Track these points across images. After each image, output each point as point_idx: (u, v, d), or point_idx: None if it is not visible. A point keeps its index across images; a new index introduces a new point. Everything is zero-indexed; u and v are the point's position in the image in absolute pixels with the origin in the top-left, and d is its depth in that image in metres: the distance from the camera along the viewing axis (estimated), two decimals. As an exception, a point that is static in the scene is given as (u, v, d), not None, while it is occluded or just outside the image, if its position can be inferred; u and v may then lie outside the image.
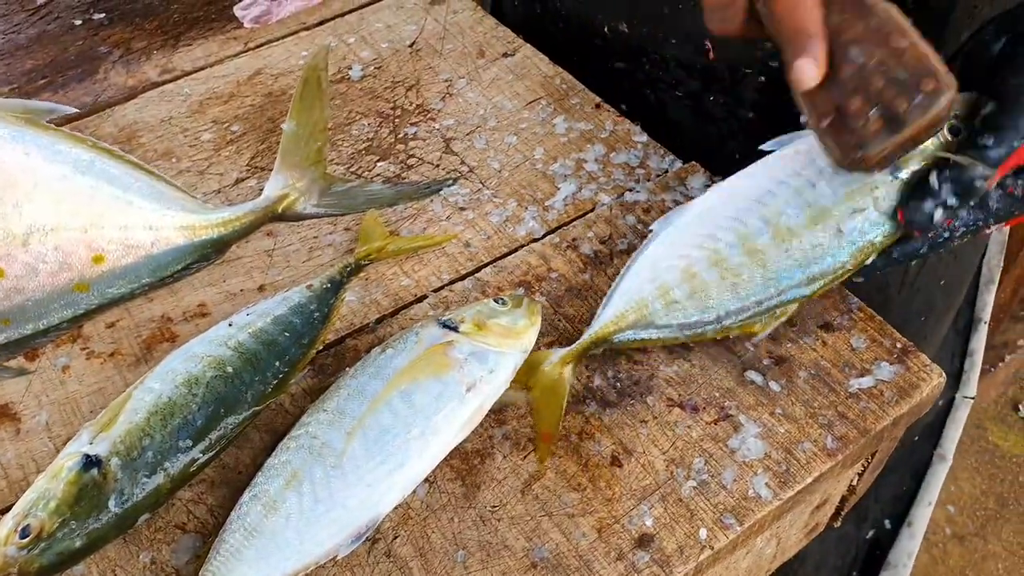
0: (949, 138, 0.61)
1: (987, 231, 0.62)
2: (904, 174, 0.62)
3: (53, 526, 0.54)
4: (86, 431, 0.58)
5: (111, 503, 0.55)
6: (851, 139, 0.55)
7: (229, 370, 0.61)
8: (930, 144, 0.61)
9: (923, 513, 1.20)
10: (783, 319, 0.64)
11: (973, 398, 1.20)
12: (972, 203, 0.60)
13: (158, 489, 0.57)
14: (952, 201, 0.59)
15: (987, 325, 1.14)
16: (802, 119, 0.58)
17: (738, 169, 0.67)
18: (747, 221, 0.64)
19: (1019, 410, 1.84)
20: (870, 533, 1.21)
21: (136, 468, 0.56)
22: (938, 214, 0.60)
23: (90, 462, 0.56)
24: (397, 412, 0.57)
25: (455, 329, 0.61)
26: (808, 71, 0.55)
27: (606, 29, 0.86)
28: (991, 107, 0.59)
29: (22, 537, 0.54)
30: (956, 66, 0.57)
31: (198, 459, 0.58)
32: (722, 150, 0.82)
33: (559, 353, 0.63)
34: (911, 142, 0.56)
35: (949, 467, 1.21)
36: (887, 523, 1.21)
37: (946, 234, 0.62)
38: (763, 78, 0.80)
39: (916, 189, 0.61)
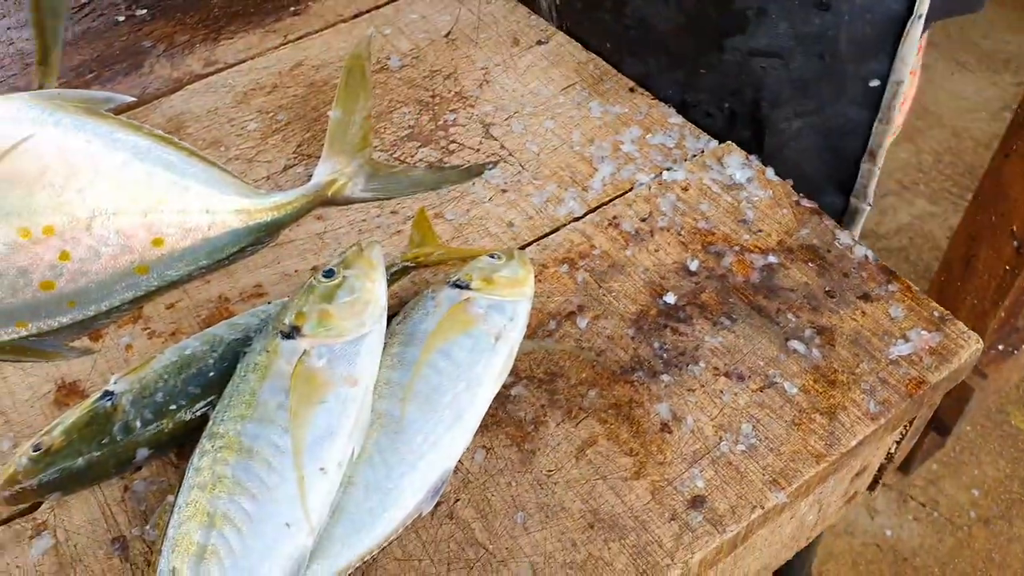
0: None
1: None
2: None
3: (60, 444, 0.59)
4: (117, 374, 0.63)
5: (116, 431, 0.60)
6: None
7: (251, 335, 0.64)
8: None
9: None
10: None
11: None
12: None
13: (160, 427, 0.61)
14: None
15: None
16: None
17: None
18: None
19: (1041, 394, 1.85)
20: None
21: (144, 405, 0.61)
22: None
23: (106, 395, 0.61)
24: (442, 371, 0.60)
25: (467, 287, 0.63)
26: None
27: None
28: None
29: (34, 451, 0.59)
30: None
31: (202, 408, 0.61)
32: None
33: None
34: None
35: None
36: None
37: None
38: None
39: None
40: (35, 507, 0.60)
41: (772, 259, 0.72)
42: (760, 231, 0.74)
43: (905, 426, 0.72)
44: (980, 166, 1.59)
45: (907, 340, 0.67)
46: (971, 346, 0.67)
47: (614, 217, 0.75)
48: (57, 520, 0.60)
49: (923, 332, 0.67)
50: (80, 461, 0.59)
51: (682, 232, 0.74)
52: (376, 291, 0.61)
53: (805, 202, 0.76)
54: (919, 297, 0.70)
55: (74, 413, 0.60)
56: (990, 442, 1.80)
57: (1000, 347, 1.63)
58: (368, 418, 0.58)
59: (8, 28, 0.95)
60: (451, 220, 0.76)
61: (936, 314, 0.68)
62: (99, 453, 0.59)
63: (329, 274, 0.61)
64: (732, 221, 0.74)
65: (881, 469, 0.77)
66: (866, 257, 0.72)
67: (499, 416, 0.63)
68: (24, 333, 0.69)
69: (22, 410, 0.66)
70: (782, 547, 0.75)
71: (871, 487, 0.79)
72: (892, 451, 0.75)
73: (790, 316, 0.68)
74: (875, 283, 0.71)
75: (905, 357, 0.66)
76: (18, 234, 0.67)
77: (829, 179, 0.92)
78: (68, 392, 0.67)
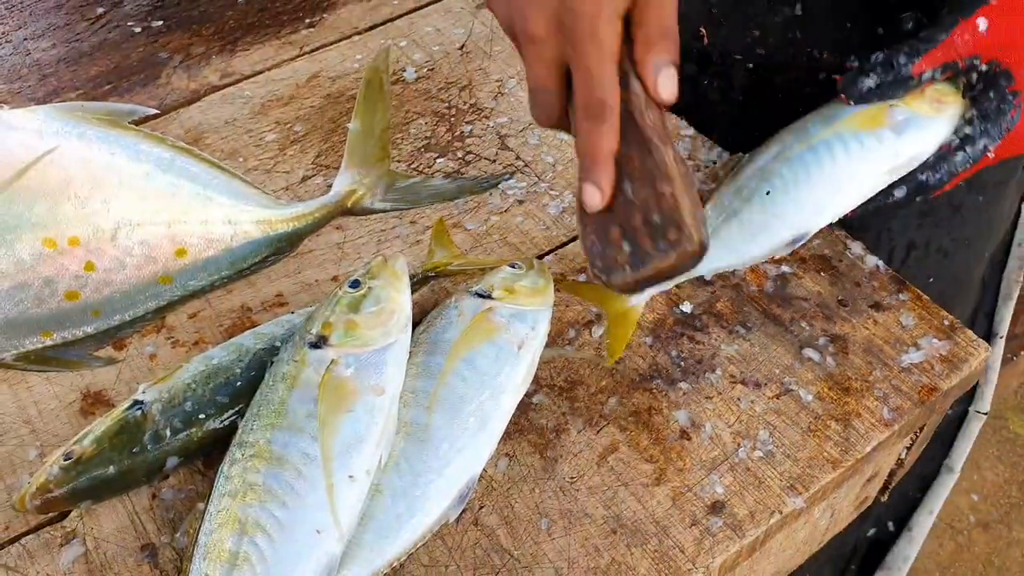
0: None
1: (989, 153, 0.66)
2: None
3: (91, 452, 0.60)
4: (145, 383, 0.64)
5: (146, 440, 0.61)
6: (602, 262, 0.57)
7: (277, 344, 0.65)
8: None
9: (924, 521, 1.22)
10: None
11: (986, 414, 1.22)
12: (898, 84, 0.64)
13: (189, 436, 0.62)
14: (881, 77, 0.64)
15: (1003, 340, 1.16)
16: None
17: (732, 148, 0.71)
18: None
19: (1039, 400, 1.87)
20: (871, 531, 1.23)
21: (174, 415, 0.62)
22: (868, 83, 0.64)
23: (135, 405, 0.62)
24: (466, 379, 0.61)
25: (489, 296, 0.64)
26: (593, 198, 0.56)
27: None
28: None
29: (65, 459, 0.60)
30: None
31: (230, 417, 0.62)
32: (717, 131, 0.85)
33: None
34: (651, 280, 0.57)
35: (956, 479, 1.23)
36: (890, 525, 1.24)
37: (934, 174, 0.65)
38: (751, 64, 0.83)
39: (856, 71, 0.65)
40: (64, 515, 0.61)
41: (785, 269, 0.73)
42: (773, 241, 0.75)
43: (915, 432, 0.73)
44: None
45: (918, 348, 0.68)
46: (980, 354, 0.68)
47: (629, 227, 0.77)
48: (86, 528, 0.61)
49: (934, 340, 0.69)
50: (111, 469, 0.60)
51: (696, 242, 0.75)
52: (401, 301, 0.62)
53: (816, 213, 0.77)
54: (929, 306, 0.71)
55: (104, 422, 0.61)
56: (989, 447, 1.81)
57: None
58: (395, 426, 0.59)
59: (25, 39, 0.96)
60: (470, 230, 0.77)
61: (946, 322, 0.70)
62: (130, 462, 0.60)
63: (355, 285, 0.62)
64: (745, 231, 0.76)
65: (891, 475, 0.78)
66: (877, 267, 0.73)
67: (521, 424, 0.64)
68: (49, 343, 0.70)
69: (48, 419, 0.66)
70: (795, 552, 0.76)
71: (882, 492, 0.80)
72: (902, 457, 0.77)
73: (804, 325, 0.70)
74: (886, 292, 0.72)
75: (917, 365, 0.67)
76: (44, 245, 0.68)
77: None
78: (93, 401, 0.67)
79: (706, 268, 0.69)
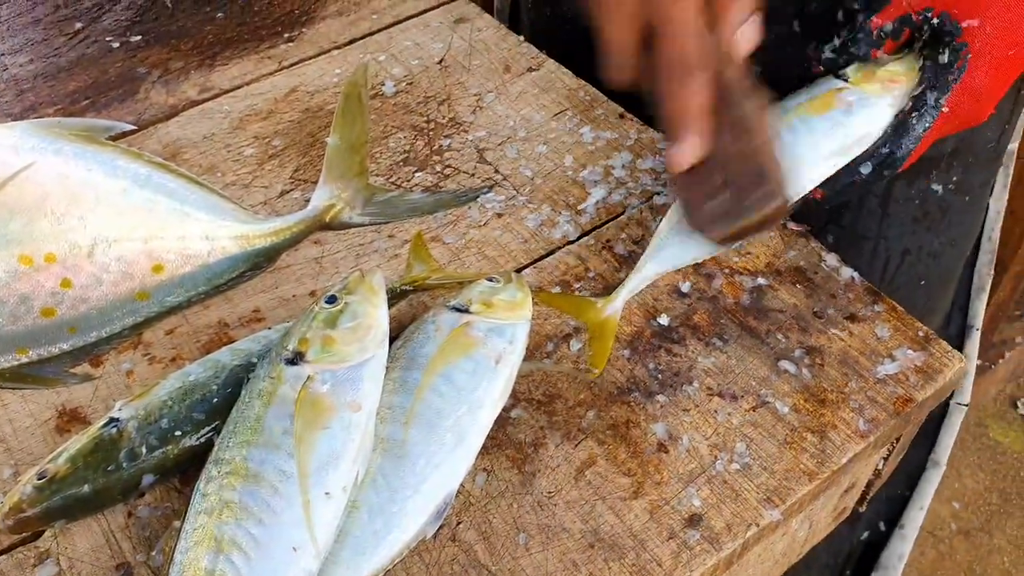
0: None
1: (943, 109, 0.67)
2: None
3: (65, 471, 0.59)
4: (121, 400, 0.63)
5: (121, 457, 0.60)
6: (701, 213, 0.59)
7: (254, 360, 0.65)
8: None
9: (915, 516, 1.24)
10: None
11: (967, 405, 1.23)
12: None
13: (165, 453, 0.61)
14: (844, 35, 0.66)
15: (979, 332, 1.18)
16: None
17: None
18: None
19: (1018, 407, 1.89)
20: (865, 534, 1.24)
21: (150, 432, 0.61)
22: (835, 43, 0.66)
23: (111, 422, 0.61)
24: (444, 394, 0.61)
25: (467, 311, 0.64)
26: (684, 156, 0.57)
27: None
28: None
29: (39, 479, 0.59)
30: None
31: (207, 434, 0.62)
32: None
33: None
34: (748, 231, 0.61)
35: (943, 472, 1.24)
36: (881, 525, 1.25)
37: (897, 145, 0.67)
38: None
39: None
40: (38, 535, 0.61)
41: (761, 281, 0.74)
42: (749, 253, 0.76)
43: (892, 443, 0.74)
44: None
45: (893, 359, 0.69)
46: (955, 365, 0.69)
47: (608, 241, 0.77)
48: (60, 548, 0.60)
49: (909, 351, 0.69)
50: (86, 488, 0.59)
51: (674, 255, 0.76)
52: (378, 316, 0.62)
53: (792, 225, 0.78)
54: (904, 317, 0.72)
55: (79, 440, 0.61)
56: (969, 455, 1.83)
57: (977, 362, 1.66)
58: (372, 442, 0.59)
59: (2, 54, 0.96)
60: (448, 244, 0.77)
61: (920, 333, 0.70)
62: (104, 480, 0.60)
63: (331, 300, 0.62)
64: (722, 244, 0.76)
65: (869, 486, 0.79)
66: (852, 278, 0.74)
67: (499, 439, 0.64)
68: (24, 360, 0.69)
69: (22, 437, 0.66)
70: (774, 563, 0.76)
71: (859, 502, 0.81)
72: (879, 468, 0.77)
73: (780, 337, 0.70)
74: (861, 304, 0.72)
75: (892, 376, 0.68)
76: (19, 262, 0.67)
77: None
78: (69, 419, 0.67)
79: (671, 263, 0.70)
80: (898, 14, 0.65)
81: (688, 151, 0.56)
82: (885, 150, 0.66)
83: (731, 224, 0.59)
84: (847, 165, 0.67)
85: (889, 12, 0.65)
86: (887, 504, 1.25)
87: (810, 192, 0.69)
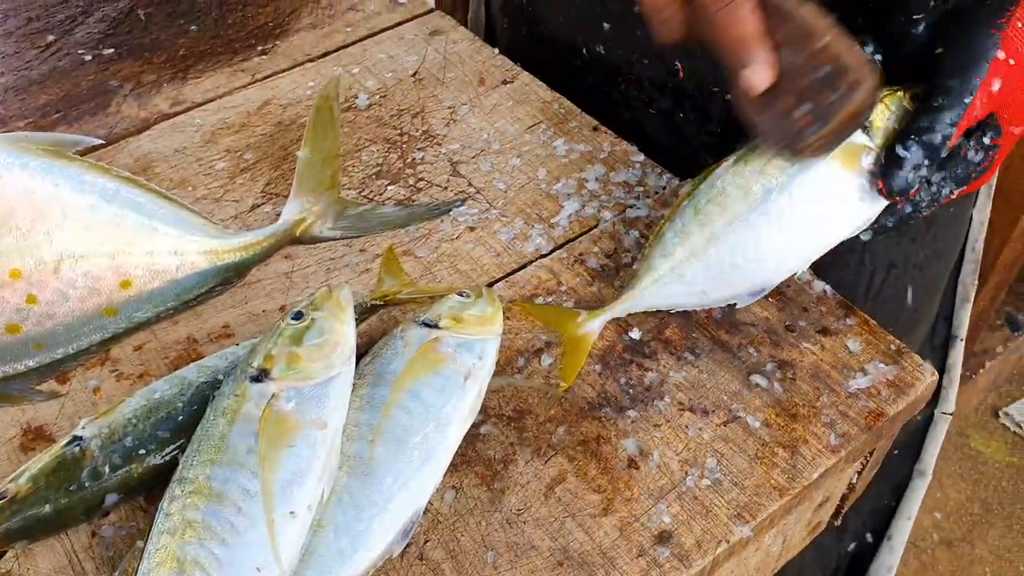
0: (909, 107, 0.65)
1: (951, 196, 0.66)
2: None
3: (27, 491, 0.58)
4: (86, 418, 0.62)
5: (84, 477, 0.59)
6: (786, 132, 0.60)
7: (220, 377, 0.64)
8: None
9: (903, 527, 1.23)
10: None
11: (951, 414, 1.24)
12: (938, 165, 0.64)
13: (129, 472, 0.60)
14: (924, 163, 0.63)
15: (963, 342, 1.18)
16: None
17: None
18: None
19: (999, 417, 1.89)
20: (852, 546, 1.24)
21: (113, 450, 0.60)
22: (911, 176, 0.63)
23: (74, 440, 0.61)
24: (411, 411, 0.60)
25: (436, 326, 0.64)
26: (756, 79, 0.58)
27: (584, 51, 0.91)
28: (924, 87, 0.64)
29: (0, 499, 0.58)
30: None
31: (172, 452, 0.61)
32: (696, 164, 0.86)
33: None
34: (840, 132, 0.61)
35: (928, 482, 1.24)
36: (868, 536, 1.25)
37: (920, 201, 0.65)
38: (728, 96, 0.84)
39: (889, 160, 0.64)
40: None
41: (734, 295, 0.73)
42: (722, 267, 0.75)
43: (865, 457, 0.74)
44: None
45: (865, 373, 0.69)
46: (927, 378, 0.69)
47: (580, 254, 0.77)
48: (22, 568, 0.59)
49: (880, 365, 0.69)
50: (47, 508, 0.58)
51: (646, 269, 0.75)
52: (345, 332, 0.61)
53: (765, 238, 0.77)
54: (876, 330, 0.72)
55: (42, 459, 0.60)
56: (951, 465, 1.83)
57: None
58: (337, 460, 0.58)
59: (-28, 67, 0.95)
60: (420, 258, 0.77)
61: (892, 347, 0.70)
62: (67, 500, 0.59)
63: (297, 316, 0.62)
64: (695, 257, 0.76)
65: (844, 499, 0.79)
66: (824, 292, 0.74)
67: (468, 455, 0.64)
68: (-11, 377, 0.69)
69: (-13, 455, 0.65)
70: (749, 578, 0.76)
71: (835, 516, 0.81)
72: (853, 481, 0.77)
73: (752, 351, 0.70)
74: (833, 317, 0.72)
75: (864, 390, 0.68)
76: (-16, 278, 0.67)
77: None
78: (35, 436, 0.66)
79: (666, 303, 0.70)
80: (968, 126, 0.63)
81: (760, 71, 0.58)
82: (907, 209, 0.66)
83: (820, 130, 0.59)
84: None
85: (963, 126, 0.63)
86: (873, 515, 1.24)
87: None
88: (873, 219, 0.66)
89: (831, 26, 0.59)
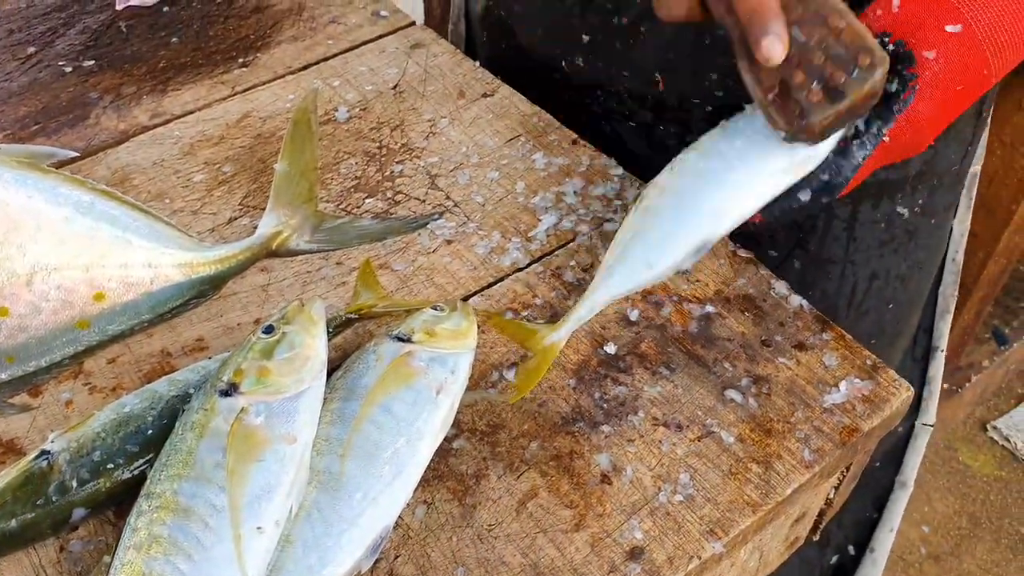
0: None
1: (883, 137, 0.66)
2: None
3: None
4: (56, 432, 0.62)
5: (51, 491, 0.59)
6: (795, 109, 0.61)
7: (191, 391, 0.64)
8: None
9: (885, 539, 1.23)
10: None
11: (932, 425, 1.24)
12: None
13: (97, 487, 0.60)
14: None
15: (943, 353, 1.18)
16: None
17: None
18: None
19: (987, 430, 1.89)
20: (834, 559, 1.24)
21: (81, 465, 0.60)
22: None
23: (42, 455, 0.60)
24: (382, 426, 0.60)
25: (409, 340, 0.64)
26: (775, 48, 0.59)
27: (564, 64, 0.91)
28: None
29: None
30: None
31: (140, 466, 0.61)
32: None
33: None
34: (850, 113, 0.61)
35: (910, 494, 1.24)
36: (851, 549, 1.24)
37: (852, 148, 0.66)
38: (710, 107, 0.84)
39: None
40: (-34, 570, 0.59)
41: (710, 308, 0.73)
42: (698, 281, 0.75)
43: (842, 472, 0.74)
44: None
45: (840, 389, 0.69)
46: (902, 394, 0.69)
47: (557, 268, 0.77)
48: (-11, 583, 0.59)
49: (856, 380, 0.69)
50: (13, 523, 0.58)
51: (623, 283, 0.75)
52: (316, 346, 0.61)
53: (742, 252, 0.77)
54: (852, 345, 0.71)
55: (9, 473, 0.59)
56: (939, 479, 1.83)
57: (945, 386, 1.66)
58: (307, 475, 0.58)
59: (-48, 79, 0.95)
60: (397, 271, 0.77)
61: (868, 362, 0.70)
62: (34, 514, 0.58)
63: (268, 330, 0.61)
64: (672, 271, 0.76)
65: (822, 515, 0.78)
66: (801, 306, 0.74)
67: (440, 470, 0.63)
68: (-40, 390, 0.68)
69: (-44, 469, 0.65)
70: (725, 594, 0.75)
71: (813, 531, 0.80)
72: (831, 497, 0.77)
73: (727, 365, 0.70)
74: (810, 332, 0.72)
75: (839, 405, 0.68)
76: (-45, 290, 0.66)
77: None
78: (5, 450, 0.66)
79: (620, 289, 0.70)
80: None
81: (777, 41, 0.58)
82: (824, 177, 0.66)
83: (834, 107, 0.60)
84: (786, 191, 0.67)
85: None
86: (855, 527, 1.24)
87: (750, 217, 0.68)
88: (808, 170, 0.67)
89: (848, 9, 0.60)
